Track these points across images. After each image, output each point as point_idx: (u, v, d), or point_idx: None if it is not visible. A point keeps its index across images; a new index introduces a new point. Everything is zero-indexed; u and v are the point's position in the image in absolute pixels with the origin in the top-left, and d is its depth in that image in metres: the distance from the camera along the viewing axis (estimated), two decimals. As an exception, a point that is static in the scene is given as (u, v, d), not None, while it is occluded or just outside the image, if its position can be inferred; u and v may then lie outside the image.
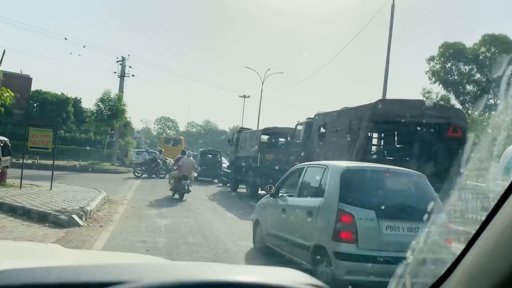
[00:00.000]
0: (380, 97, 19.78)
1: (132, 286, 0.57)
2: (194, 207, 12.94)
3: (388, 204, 5.39)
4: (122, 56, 34.52)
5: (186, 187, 14.40)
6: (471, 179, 0.98)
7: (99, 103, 30.11)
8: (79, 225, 8.47)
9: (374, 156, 10.55)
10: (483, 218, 0.77)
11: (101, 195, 12.05)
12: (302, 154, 13.20)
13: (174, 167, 16.14)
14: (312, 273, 5.38)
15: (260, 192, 17.44)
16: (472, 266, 0.76)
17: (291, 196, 6.90)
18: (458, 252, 0.83)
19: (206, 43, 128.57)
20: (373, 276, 4.87)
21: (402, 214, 5.36)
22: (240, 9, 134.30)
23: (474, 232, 0.79)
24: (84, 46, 46.99)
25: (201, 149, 29.02)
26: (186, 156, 16.24)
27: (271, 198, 7.49)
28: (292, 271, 0.74)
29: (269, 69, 49.08)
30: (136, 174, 23.80)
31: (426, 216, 4.57)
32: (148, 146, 47.95)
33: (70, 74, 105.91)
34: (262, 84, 43.86)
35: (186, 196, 14.69)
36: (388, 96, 19.55)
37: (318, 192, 6.00)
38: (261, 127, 22.11)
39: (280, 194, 7.22)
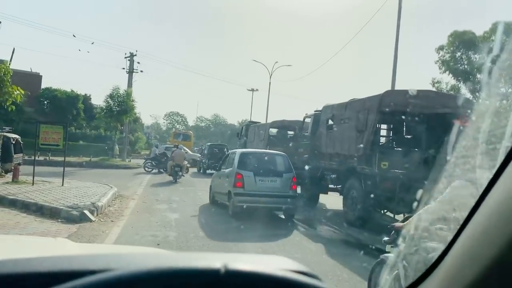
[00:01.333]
0: (389, 88, 19.60)
1: (116, 273, 0.59)
2: (204, 201, 13.01)
3: (260, 169, 10.37)
4: (130, 52, 34.64)
5: (179, 172, 18.91)
6: (459, 166, 1.01)
7: (108, 99, 30.23)
8: (90, 220, 8.59)
9: (383, 147, 10.50)
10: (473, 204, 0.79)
11: (112, 191, 12.18)
12: (310, 146, 13.23)
13: (171, 158, 20.25)
14: (227, 205, 10.71)
15: None
16: (462, 253, 0.79)
17: (224, 169, 11.57)
18: (449, 238, 0.85)
19: (213, 37, 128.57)
20: (251, 203, 10.09)
21: (267, 173, 10.32)
22: (248, 3, 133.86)
23: (464, 218, 0.81)
24: (93, 43, 47.47)
25: (209, 143, 29.38)
26: (178, 149, 20.65)
27: (217, 172, 12.50)
28: (283, 258, 0.77)
29: (276, 62, 48.96)
30: (146, 169, 23.89)
31: (281, 174, 10.25)
32: (158, 141, 48.16)
33: (79, 71, 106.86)
34: (270, 77, 43.77)
35: (196, 190, 14.86)
36: (397, 87, 19.36)
37: (231, 165, 10.86)
38: (269, 120, 22.15)
39: (221, 169, 11.84)
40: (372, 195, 9.21)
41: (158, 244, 7.11)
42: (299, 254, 7.15)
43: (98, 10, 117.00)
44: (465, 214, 0.80)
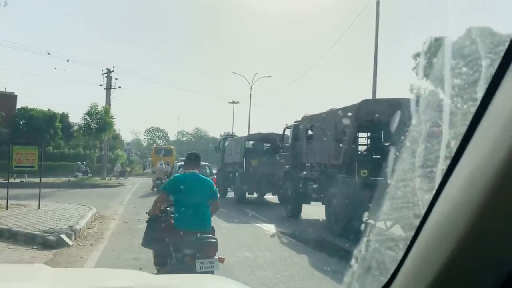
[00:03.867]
0: (370, 96, 19.99)
1: None
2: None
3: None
4: (107, 69, 34.38)
5: (160, 184, 21.01)
6: (400, 189, 1.08)
7: (86, 116, 29.85)
8: (68, 245, 8.28)
9: (362, 156, 10.54)
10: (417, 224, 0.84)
11: (91, 212, 11.87)
12: (291, 157, 13.21)
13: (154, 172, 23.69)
14: None
15: (247, 196, 17.86)
16: (409, 271, 0.85)
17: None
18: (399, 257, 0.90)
19: (191, 51, 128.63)
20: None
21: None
22: (225, 16, 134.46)
23: (411, 237, 0.86)
24: (68, 60, 46.93)
25: (182, 158, 29.09)
26: (159, 164, 23.44)
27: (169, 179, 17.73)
28: (220, 277, 0.75)
29: (256, 73, 49.16)
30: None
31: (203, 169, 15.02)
32: (139, 157, 47.58)
33: (56, 89, 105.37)
34: (251, 89, 43.97)
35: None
36: (378, 95, 19.72)
37: (175, 172, 15.47)
38: (252, 132, 22.18)
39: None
40: (353, 204, 9.19)
41: (140, 268, 6.87)
42: (288, 269, 7.04)
43: (72, 27, 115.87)
44: (411, 234, 0.85)
